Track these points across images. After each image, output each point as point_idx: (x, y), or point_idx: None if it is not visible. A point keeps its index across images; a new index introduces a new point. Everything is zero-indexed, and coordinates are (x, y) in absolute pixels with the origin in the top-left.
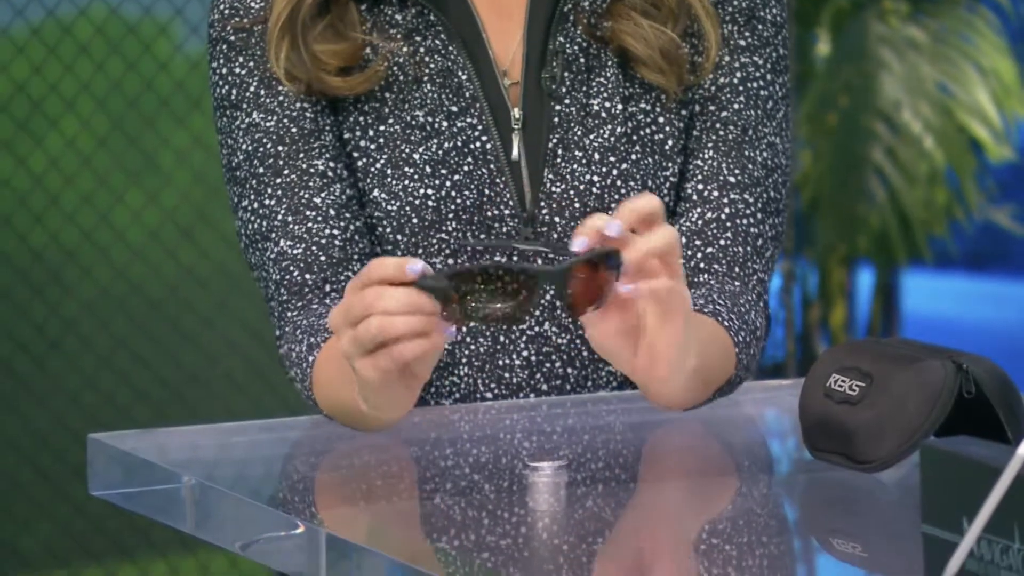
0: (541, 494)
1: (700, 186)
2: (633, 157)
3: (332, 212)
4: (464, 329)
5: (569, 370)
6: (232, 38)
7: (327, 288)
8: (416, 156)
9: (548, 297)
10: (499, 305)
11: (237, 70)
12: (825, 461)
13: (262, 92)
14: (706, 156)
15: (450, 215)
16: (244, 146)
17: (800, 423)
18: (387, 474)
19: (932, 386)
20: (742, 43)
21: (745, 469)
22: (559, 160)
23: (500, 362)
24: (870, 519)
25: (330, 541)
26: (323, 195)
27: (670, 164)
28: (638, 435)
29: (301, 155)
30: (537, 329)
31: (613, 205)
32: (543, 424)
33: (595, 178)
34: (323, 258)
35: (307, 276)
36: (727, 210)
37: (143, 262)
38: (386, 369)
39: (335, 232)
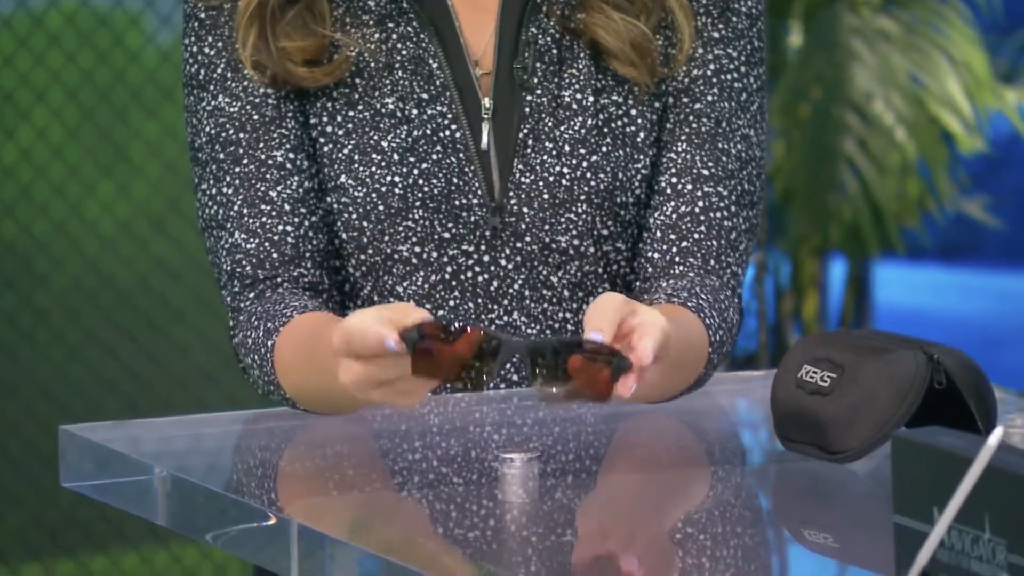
0: (512, 486)
1: (674, 179)
2: (604, 149)
3: (287, 207)
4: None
5: None
6: (203, 15)
7: (279, 281)
8: (384, 143)
9: (516, 288)
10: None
11: (206, 50)
12: (797, 452)
13: (228, 75)
14: (679, 149)
15: (417, 203)
16: (207, 128)
17: (772, 414)
18: (359, 465)
19: (903, 377)
20: (716, 35)
21: (717, 460)
22: (529, 151)
23: None
24: (842, 509)
25: (302, 532)
26: (279, 188)
27: (642, 156)
28: (609, 427)
29: (261, 144)
30: (506, 319)
31: (582, 197)
32: (513, 416)
33: (565, 169)
34: (275, 255)
35: (259, 272)
36: (701, 203)
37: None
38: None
39: (288, 228)
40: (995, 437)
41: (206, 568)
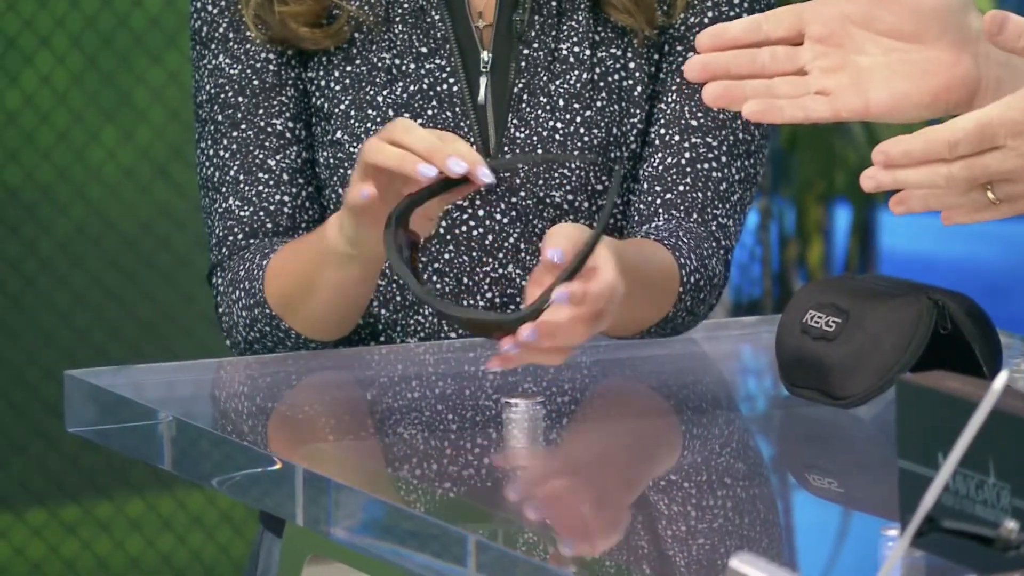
0: (516, 431)
1: (663, 131)
2: (598, 104)
3: (285, 177)
4: (429, 269)
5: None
6: None
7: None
8: (380, 99)
9: (511, 241)
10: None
11: (210, 7)
12: (801, 397)
13: (230, 36)
14: (669, 100)
15: None
16: (208, 87)
17: (776, 359)
18: (364, 410)
19: (908, 322)
20: None
21: (722, 405)
22: (524, 105)
23: (464, 303)
24: (846, 455)
25: (307, 477)
26: (278, 157)
27: (637, 111)
28: (609, 371)
29: (260, 111)
30: (501, 271)
31: (575, 152)
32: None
33: (559, 124)
34: (269, 225)
35: (251, 241)
36: (687, 155)
37: (118, 200)
38: (369, 161)
39: (285, 199)
40: (1000, 381)
41: (211, 513)
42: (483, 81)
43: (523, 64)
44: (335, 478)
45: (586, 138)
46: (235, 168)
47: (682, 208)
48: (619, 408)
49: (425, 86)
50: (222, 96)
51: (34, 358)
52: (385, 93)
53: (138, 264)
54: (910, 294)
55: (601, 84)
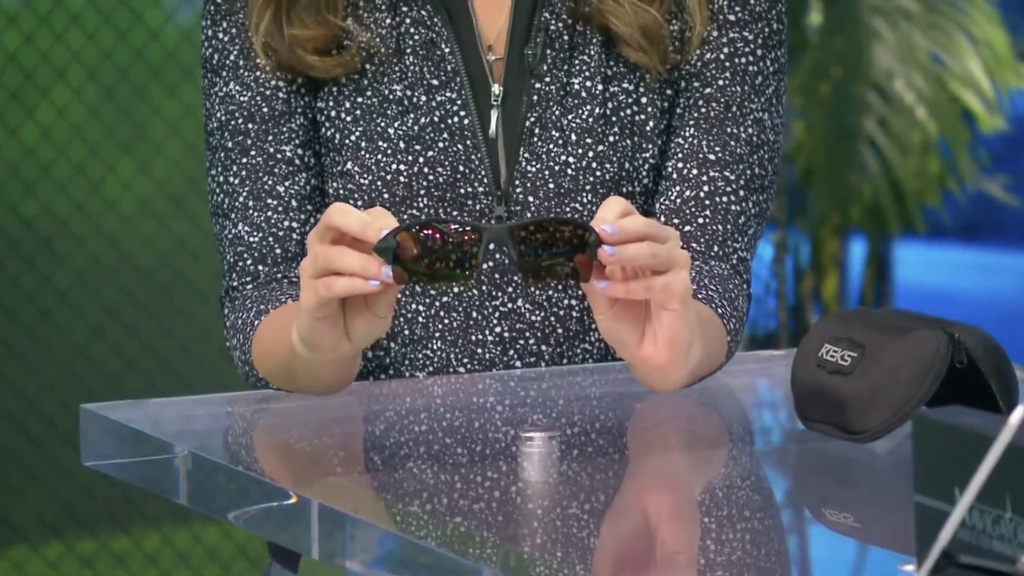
0: (532, 464)
1: (680, 164)
2: (611, 139)
3: (294, 203)
4: (437, 303)
5: (544, 347)
6: (220, 0)
7: (279, 277)
8: (391, 131)
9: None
10: (439, 266)
11: (220, 35)
12: (817, 431)
13: (241, 63)
14: (687, 134)
15: (422, 191)
16: (219, 114)
17: (792, 393)
18: (377, 444)
19: (924, 356)
20: (732, 17)
21: (737, 439)
22: (535, 139)
23: (473, 337)
24: (862, 489)
25: (322, 511)
26: (287, 184)
27: (650, 145)
28: (625, 406)
29: (270, 138)
30: (510, 306)
31: (587, 187)
32: (519, 393)
33: (570, 159)
34: (278, 251)
35: (260, 267)
36: (706, 188)
37: (134, 232)
38: (321, 297)
39: (294, 225)
40: (1016, 416)
41: (227, 547)
42: (494, 114)
43: (535, 98)
44: (350, 512)
45: (598, 172)
46: (244, 194)
47: (702, 241)
48: (633, 441)
49: (436, 119)
50: (232, 123)
51: (50, 390)
52: (396, 125)
53: (154, 297)
54: (926, 328)
55: (614, 119)
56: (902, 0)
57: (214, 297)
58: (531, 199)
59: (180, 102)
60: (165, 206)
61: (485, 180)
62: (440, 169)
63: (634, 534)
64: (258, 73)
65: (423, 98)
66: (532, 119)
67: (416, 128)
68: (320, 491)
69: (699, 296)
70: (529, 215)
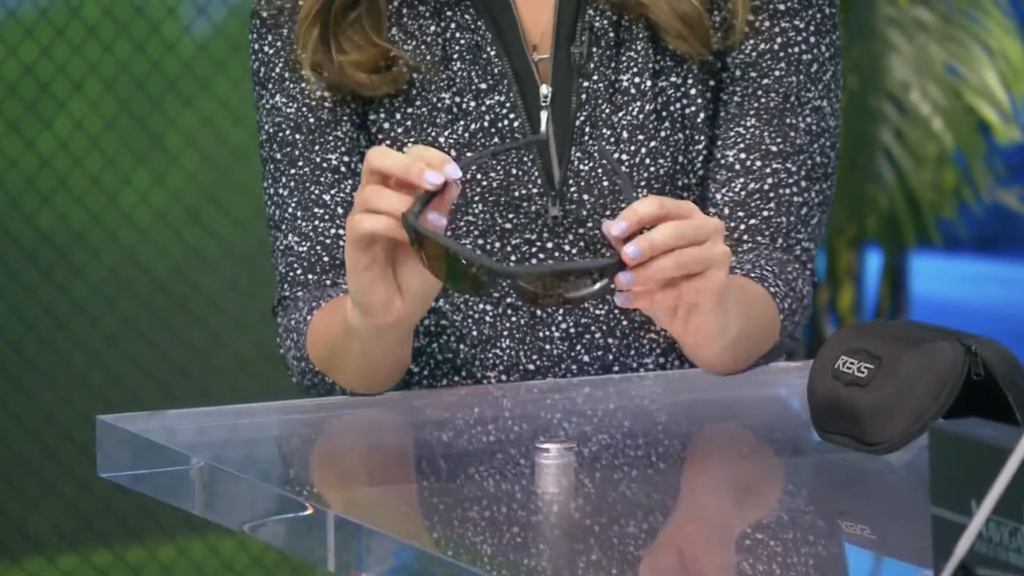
0: (548, 476)
1: (743, 155)
2: (663, 134)
3: (340, 211)
4: (503, 303)
5: (610, 340)
6: (264, 15)
7: (328, 284)
8: (442, 139)
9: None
10: (449, 280)
11: (266, 48)
12: (834, 443)
13: (286, 75)
14: (748, 124)
15: (476, 197)
16: (267, 127)
17: (809, 405)
18: (394, 455)
19: (941, 368)
20: (781, 7)
21: (754, 450)
22: (587, 138)
23: (540, 334)
24: (879, 501)
25: (338, 523)
26: (333, 192)
27: (702, 137)
28: (643, 417)
29: (316, 147)
30: None
31: (642, 183)
32: (545, 405)
33: (624, 156)
34: (326, 258)
35: (310, 276)
36: (770, 180)
37: (150, 244)
38: (356, 233)
39: (341, 232)
40: None
41: (242, 558)
42: (544, 115)
43: (584, 96)
44: (366, 523)
45: (652, 168)
46: (293, 205)
47: (767, 234)
48: (649, 453)
49: (486, 123)
50: (280, 135)
51: (66, 401)
52: (447, 133)
53: (170, 307)
54: (942, 340)
55: (664, 114)
56: (918, 11)
57: (230, 307)
58: (586, 197)
59: (196, 114)
60: (181, 217)
61: (539, 181)
62: (493, 174)
63: (648, 547)
64: (303, 84)
65: (472, 103)
66: (582, 118)
67: (467, 135)
68: (336, 502)
69: (752, 275)
70: (585, 213)
